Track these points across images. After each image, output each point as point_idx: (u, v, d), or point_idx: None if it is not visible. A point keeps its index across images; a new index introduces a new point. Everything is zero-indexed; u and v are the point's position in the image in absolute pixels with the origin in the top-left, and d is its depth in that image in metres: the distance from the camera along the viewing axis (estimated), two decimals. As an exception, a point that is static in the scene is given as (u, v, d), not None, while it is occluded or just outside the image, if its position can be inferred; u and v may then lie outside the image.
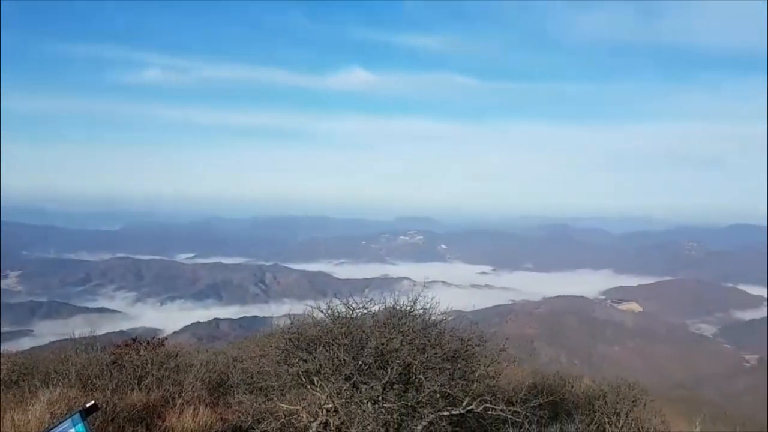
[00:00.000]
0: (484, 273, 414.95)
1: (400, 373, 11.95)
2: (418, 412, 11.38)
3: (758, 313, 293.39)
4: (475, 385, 11.71)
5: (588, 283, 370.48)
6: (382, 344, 12.13)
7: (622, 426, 13.31)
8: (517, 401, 11.25)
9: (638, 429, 13.55)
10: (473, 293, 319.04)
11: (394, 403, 11.39)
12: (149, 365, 15.79)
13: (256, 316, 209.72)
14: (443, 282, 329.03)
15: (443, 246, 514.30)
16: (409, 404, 11.56)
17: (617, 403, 15.31)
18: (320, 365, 11.75)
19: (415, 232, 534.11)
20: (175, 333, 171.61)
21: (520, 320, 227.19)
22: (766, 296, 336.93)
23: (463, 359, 12.37)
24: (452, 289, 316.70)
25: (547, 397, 12.26)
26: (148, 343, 17.78)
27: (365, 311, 13.61)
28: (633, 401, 15.16)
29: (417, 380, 11.90)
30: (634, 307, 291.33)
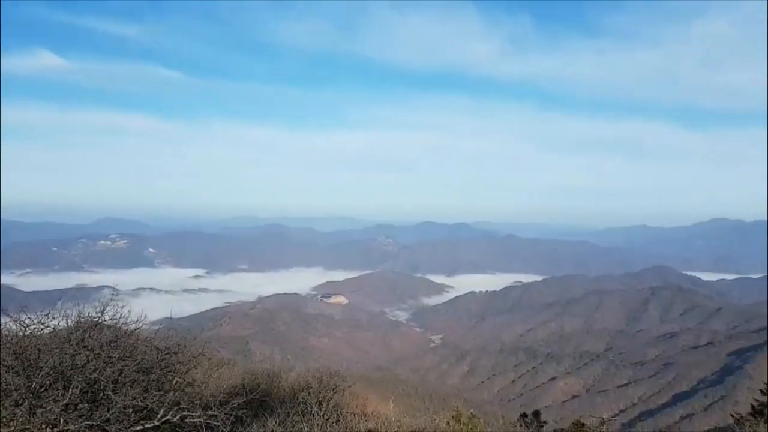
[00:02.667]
0: (197, 276, 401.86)
1: (86, 391, 10.78)
2: (106, 431, 10.29)
3: (442, 299, 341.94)
4: (171, 394, 11.00)
5: (301, 280, 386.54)
6: (63, 362, 10.77)
7: (324, 413, 13.87)
8: (215, 405, 10.93)
9: (338, 414, 14.27)
10: (186, 298, 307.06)
11: (78, 424, 10.22)
12: None
13: None
14: (152, 289, 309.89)
15: (151, 250, 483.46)
16: (96, 423, 10.44)
17: (320, 392, 16.04)
18: (-20, 393, 9.85)
19: (117, 235, 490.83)
20: None
21: (236, 322, 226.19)
22: (447, 284, 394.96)
23: (159, 369, 11.56)
24: (162, 296, 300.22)
25: (247, 396, 12.18)
26: None
27: (43, 327, 11.89)
28: (334, 389, 16.07)
29: (105, 396, 10.84)
30: (341, 300, 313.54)
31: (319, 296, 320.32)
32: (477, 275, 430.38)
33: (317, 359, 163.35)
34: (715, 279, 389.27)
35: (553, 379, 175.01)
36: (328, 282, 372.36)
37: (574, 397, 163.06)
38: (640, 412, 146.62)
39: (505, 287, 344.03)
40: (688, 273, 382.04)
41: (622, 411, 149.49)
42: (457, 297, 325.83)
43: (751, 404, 23.41)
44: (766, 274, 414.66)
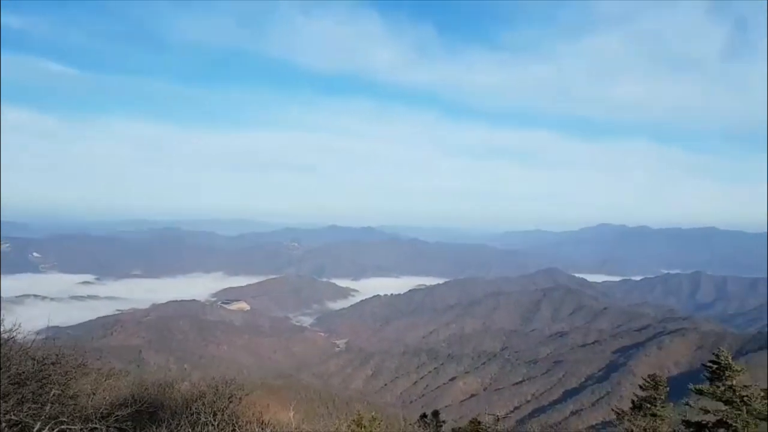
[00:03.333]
0: (86, 283, 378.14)
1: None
2: (-29, 452, 9.38)
3: (347, 303, 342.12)
4: (49, 407, 10.19)
5: (200, 286, 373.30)
6: None
7: (219, 424, 13.39)
8: (97, 417, 10.23)
9: (233, 424, 13.83)
10: (74, 306, 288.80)
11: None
12: None
13: None
14: (36, 295, 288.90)
15: (36, 254, 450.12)
16: (-40, 444, 9.51)
17: (215, 401, 15.46)
18: None
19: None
20: None
21: (128, 330, 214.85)
22: (353, 288, 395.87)
23: (36, 381, 10.67)
24: (48, 303, 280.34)
25: (133, 408, 11.49)
26: None
27: None
28: (230, 398, 15.53)
29: (-28, 413, 9.89)
30: (243, 306, 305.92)
31: (219, 302, 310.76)
32: (382, 279, 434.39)
33: (216, 368, 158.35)
34: (600, 281, 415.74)
35: (453, 379, 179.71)
36: (229, 288, 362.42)
37: (472, 395, 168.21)
38: (533, 408, 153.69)
39: (410, 290, 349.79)
40: (577, 275, 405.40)
41: (516, 408, 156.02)
42: (362, 301, 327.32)
43: (632, 399, 25.14)
44: (646, 276, 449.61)
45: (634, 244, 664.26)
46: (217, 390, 16.12)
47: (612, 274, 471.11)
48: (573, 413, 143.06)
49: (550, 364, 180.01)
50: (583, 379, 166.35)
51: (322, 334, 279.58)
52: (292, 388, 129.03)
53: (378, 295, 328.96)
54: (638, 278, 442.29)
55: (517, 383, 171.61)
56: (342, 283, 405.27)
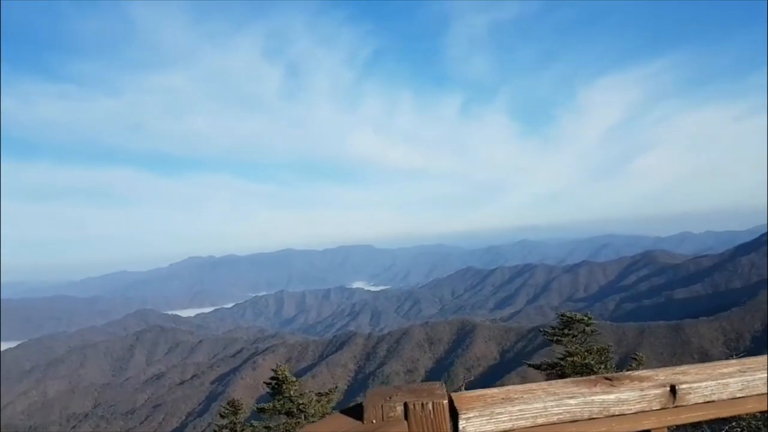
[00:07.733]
0: None
1: None
2: None
3: None
4: None
5: None
6: None
7: None
8: None
9: None
10: None
11: None
12: None
13: None
14: None
15: None
16: None
17: None
18: None
19: None
20: None
21: None
22: None
23: None
24: None
25: None
26: None
27: None
28: None
29: None
30: None
31: None
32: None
33: None
34: (194, 314, 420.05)
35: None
36: None
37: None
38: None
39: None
40: (169, 312, 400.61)
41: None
42: None
43: (214, 429, 25.31)
44: (237, 302, 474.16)
45: (224, 272, 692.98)
46: None
47: (204, 306, 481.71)
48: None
49: (149, 410, 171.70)
50: (183, 417, 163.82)
51: None
52: None
53: None
54: (230, 305, 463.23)
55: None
56: None
